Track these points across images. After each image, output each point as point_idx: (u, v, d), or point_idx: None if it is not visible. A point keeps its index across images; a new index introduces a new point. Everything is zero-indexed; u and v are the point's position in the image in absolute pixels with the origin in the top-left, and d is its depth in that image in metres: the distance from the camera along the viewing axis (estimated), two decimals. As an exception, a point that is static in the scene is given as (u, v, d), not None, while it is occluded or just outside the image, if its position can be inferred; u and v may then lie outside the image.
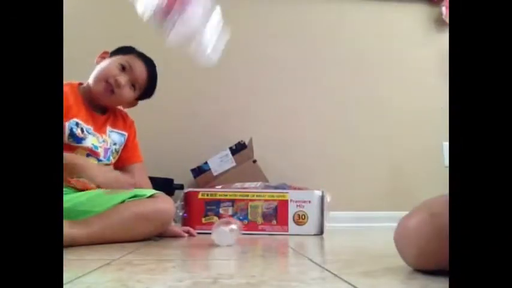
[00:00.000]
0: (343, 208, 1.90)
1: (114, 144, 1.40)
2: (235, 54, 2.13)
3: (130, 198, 1.20)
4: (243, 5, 2.16)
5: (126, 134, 1.46)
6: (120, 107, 1.47)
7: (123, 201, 1.19)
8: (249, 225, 1.55)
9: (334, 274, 0.64)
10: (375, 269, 0.72)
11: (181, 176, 1.85)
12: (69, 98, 1.27)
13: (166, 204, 1.25)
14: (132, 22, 2.11)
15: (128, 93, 1.35)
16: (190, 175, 1.85)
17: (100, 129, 1.35)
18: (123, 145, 1.44)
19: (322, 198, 1.58)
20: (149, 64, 1.40)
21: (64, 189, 1.19)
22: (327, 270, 0.68)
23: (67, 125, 1.24)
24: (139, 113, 2.05)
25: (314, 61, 2.18)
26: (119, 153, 1.42)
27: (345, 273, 0.64)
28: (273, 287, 0.55)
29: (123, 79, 1.31)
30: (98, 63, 1.37)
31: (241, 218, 1.56)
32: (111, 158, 1.37)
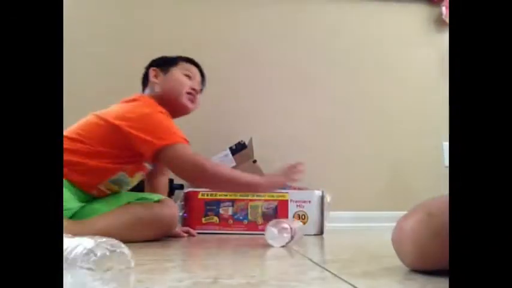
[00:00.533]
0: (343, 208, 1.90)
1: None
2: (235, 54, 2.13)
3: (137, 200, 1.22)
4: (243, 5, 2.17)
5: None
6: None
7: (128, 203, 1.20)
8: (249, 225, 1.55)
9: (334, 274, 0.64)
10: (375, 269, 0.72)
11: (182, 176, 1.85)
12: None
13: (171, 210, 1.26)
14: (132, 22, 2.12)
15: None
16: (190, 175, 1.85)
17: None
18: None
19: (322, 198, 1.58)
20: (199, 67, 1.43)
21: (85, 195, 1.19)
22: (327, 270, 0.68)
23: None
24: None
25: (314, 61, 2.18)
26: None
27: (345, 273, 0.64)
28: (273, 287, 0.55)
29: (197, 86, 1.37)
30: (156, 82, 1.38)
31: (241, 218, 1.56)
32: None
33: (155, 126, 1.17)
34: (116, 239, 1.11)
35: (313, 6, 2.21)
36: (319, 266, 0.75)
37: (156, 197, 1.27)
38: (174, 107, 1.32)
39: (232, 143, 1.85)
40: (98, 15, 2.08)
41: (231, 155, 1.82)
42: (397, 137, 2.17)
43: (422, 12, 2.27)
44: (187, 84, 1.35)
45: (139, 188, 1.41)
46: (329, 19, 2.23)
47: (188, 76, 1.37)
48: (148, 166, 1.32)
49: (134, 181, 1.31)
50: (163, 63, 1.40)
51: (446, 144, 2.13)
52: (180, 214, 1.56)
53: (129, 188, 1.31)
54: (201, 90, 1.43)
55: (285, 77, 2.16)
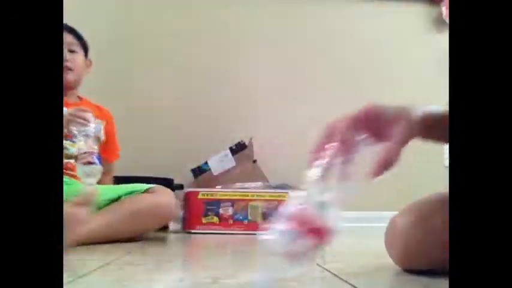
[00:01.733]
0: (343, 208, 1.90)
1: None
2: (235, 54, 2.13)
3: (126, 194, 1.19)
4: (243, 6, 2.16)
5: (104, 121, 1.43)
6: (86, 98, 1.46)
7: (119, 197, 1.18)
8: (249, 225, 1.55)
9: (334, 274, 0.64)
10: (375, 269, 0.73)
11: (181, 176, 1.85)
12: None
13: (165, 198, 1.22)
14: (131, 22, 2.12)
15: (73, 57, 1.35)
16: (190, 175, 1.84)
17: None
18: (103, 137, 1.40)
19: (322, 198, 1.57)
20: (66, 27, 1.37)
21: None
22: (327, 270, 0.68)
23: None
24: (140, 113, 2.05)
25: (314, 61, 2.18)
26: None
27: (345, 273, 0.64)
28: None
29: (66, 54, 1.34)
30: None
31: (241, 218, 1.56)
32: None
33: None
34: (118, 235, 1.11)
35: (313, 7, 2.21)
36: (319, 266, 0.75)
37: (145, 186, 1.25)
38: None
39: (232, 143, 1.85)
40: (95, 13, 2.08)
41: (231, 155, 1.82)
42: (397, 137, 2.17)
43: (422, 12, 2.27)
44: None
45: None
46: (329, 19, 2.23)
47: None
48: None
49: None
50: None
51: (446, 144, 2.13)
52: (180, 214, 1.56)
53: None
54: (82, 44, 1.40)
55: (285, 77, 2.15)
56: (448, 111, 0.52)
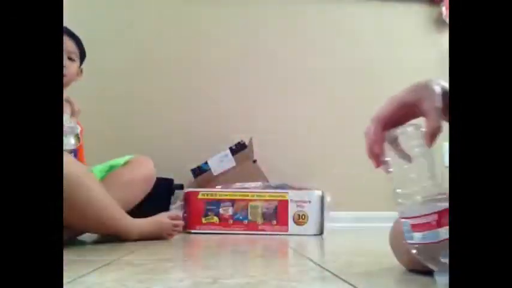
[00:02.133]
0: (343, 208, 1.90)
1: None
2: (235, 54, 2.13)
3: (106, 172, 1.23)
4: (243, 5, 2.16)
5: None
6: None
7: (102, 178, 1.21)
8: (249, 225, 1.55)
9: (334, 274, 0.64)
10: (375, 269, 0.73)
11: (181, 176, 1.85)
12: None
13: (144, 169, 1.27)
14: (131, 22, 2.12)
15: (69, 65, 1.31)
16: (190, 175, 1.85)
17: None
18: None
19: (322, 198, 1.58)
20: (69, 33, 1.35)
21: None
22: (327, 270, 0.68)
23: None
24: (140, 112, 2.06)
25: (314, 61, 2.18)
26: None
27: (345, 273, 0.64)
28: (273, 287, 0.55)
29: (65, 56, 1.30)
30: None
31: (241, 218, 1.56)
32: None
33: None
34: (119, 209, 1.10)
35: (313, 7, 2.21)
36: (319, 266, 0.75)
37: (122, 160, 1.27)
38: None
39: (232, 143, 1.85)
40: (95, 13, 2.08)
41: (231, 155, 1.82)
42: (397, 137, 2.17)
43: (422, 12, 2.27)
44: None
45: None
46: (329, 19, 2.23)
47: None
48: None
49: None
50: None
51: (446, 144, 2.13)
52: (180, 214, 1.56)
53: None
54: (80, 53, 1.37)
55: (285, 77, 2.15)
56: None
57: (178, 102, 2.07)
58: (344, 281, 0.59)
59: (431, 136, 0.52)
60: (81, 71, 1.42)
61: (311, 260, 0.82)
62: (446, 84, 0.56)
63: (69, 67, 1.33)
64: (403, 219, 0.52)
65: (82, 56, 1.39)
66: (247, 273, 0.67)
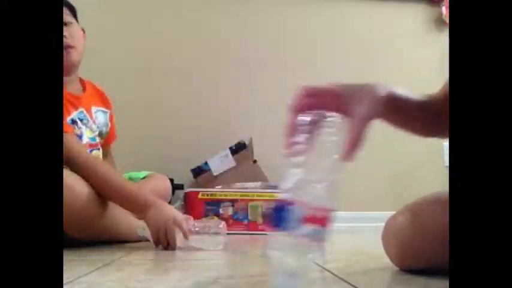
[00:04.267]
0: (343, 208, 1.90)
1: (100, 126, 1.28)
2: (235, 54, 2.13)
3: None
4: (243, 5, 2.16)
5: (108, 110, 1.35)
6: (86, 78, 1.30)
7: None
8: (249, 225, 1.55)
9: (334, 274, 0.64)
10: (375, 269, 0.73)
11: (181, 176, 1.85)
12: None
13: (163, 187, 1.30)
14: (131, 23, 2.12)
15: (69, 30, 1.13)
16: (190, 175, 1.85)
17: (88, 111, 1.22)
18: (109, 127, 1.32)
19: (322, 198, 1.57)
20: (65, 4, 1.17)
21: None
22: (327, 270, 0.68)
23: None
24: (140, 112, 2.05)
25: (314, 61, 2.18)
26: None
27: (345, 273, 0.64)
28: (272, 287, 0.55)
29: (66, 32, 1.11)
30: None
31: (241, 218, 1.56)
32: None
33: None
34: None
35: (313, 6, 2.21)
36: (319, 266, 0.75)
37: (141, 174, 1.28)
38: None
39: (232, 143, 1.84)
40: (95, 13, 2.08)
41: (231, 155, 1.82)
42: (397, 137, 2.16)
43: (422, 12, 2.27)
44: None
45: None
46: (329, 19, 2.23)
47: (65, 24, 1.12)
48: None
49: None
50: None
51: (446, 145, 2.13)
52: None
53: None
54: (66, 22, 1.13)
55: (285, 77, 2.15)
56: (410, 97, 0.54)
57: (178, 102, 2.07)
58: (344, 281, 0.59)
59: (352, 145, 0.49)
60: (83, 31, 1.22)
61: (311, 260, 0.82)
62: (398, 89, 0.55)
63: (72, 33, 1.12)
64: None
65: (74, 11, 1.19)
66: (247, 273, 0.67)
